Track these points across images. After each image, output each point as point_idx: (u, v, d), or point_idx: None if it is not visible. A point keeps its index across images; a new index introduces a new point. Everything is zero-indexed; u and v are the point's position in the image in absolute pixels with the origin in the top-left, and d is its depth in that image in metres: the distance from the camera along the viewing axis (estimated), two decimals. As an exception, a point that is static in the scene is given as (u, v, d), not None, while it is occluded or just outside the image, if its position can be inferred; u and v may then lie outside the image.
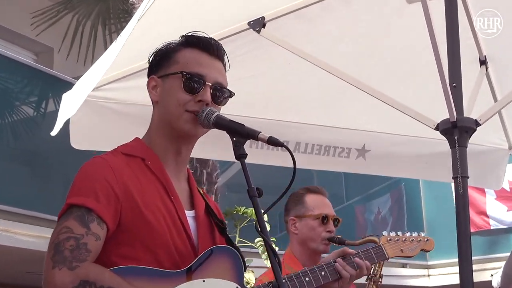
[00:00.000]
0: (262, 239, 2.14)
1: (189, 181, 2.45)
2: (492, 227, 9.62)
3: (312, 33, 3.62)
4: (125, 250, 2.14)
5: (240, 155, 2.18)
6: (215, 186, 6.67)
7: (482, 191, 9.69)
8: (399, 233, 3.12)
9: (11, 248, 6.41)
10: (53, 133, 3.63)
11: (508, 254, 4.76)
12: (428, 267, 10.19)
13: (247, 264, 2.40)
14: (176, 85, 2.31)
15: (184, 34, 2.45)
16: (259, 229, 2.13)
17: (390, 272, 9.73)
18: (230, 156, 3.60)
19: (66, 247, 2.03)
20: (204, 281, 2.20)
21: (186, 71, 2.30)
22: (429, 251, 3.29)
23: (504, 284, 5.04)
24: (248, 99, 3.77)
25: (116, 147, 2.36)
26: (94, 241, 2.07)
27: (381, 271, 3.62)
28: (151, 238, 2.15)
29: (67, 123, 3.65)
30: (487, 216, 9.79)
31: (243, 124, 2.20)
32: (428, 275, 10.13)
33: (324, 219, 3.71)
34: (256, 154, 3.82)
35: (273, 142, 2.17)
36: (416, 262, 10.19)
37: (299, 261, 3.77)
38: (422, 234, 3.27)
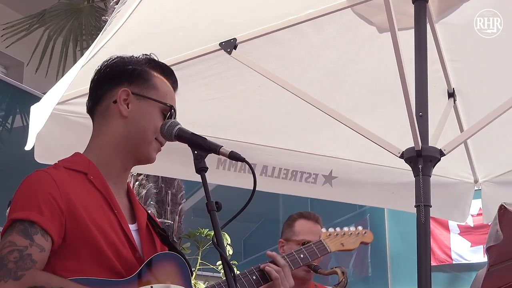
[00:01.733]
0: (218, 252, 2.10)
1: (129, 194, 2.44)
2: (454, 262, 9.67)
3: (284, 57, 3.63)
4: (71, 263, 2.15)
5: (201, 168, 2.17)
6: (180, 207, 6.65)
7: (446, 227, 9.82)
8: (338, 228, 3.17)
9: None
10: (27, 147, 3.63)
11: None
12: (385, 297, 10.20)
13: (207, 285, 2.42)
14: (155, 112, 2.33)
15: (151, 57, 2.48)
16: (216, 242, 2.13)
17: None
18: (193, 174, 3.64)
19: (9, 259, 2.04)
20: (152, 287, 2.21)
21: (169, 104, 2.35)
22: (368, 243, 3.27)
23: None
24: (216, 120, 3.81)
25: (57, 162, 2.35)
26: (38, 252, 2.07)
27: (346, 280, 3.65)
28: (96, 251, 2.15)
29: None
30: (450, 251, 9.84)
31: (205, 138, 2.21)
32: (385, 306, 10.15)
33: (305, 244, 3.67)
34: (221, 175, 3.85)
35: (234, 157, 2.18)
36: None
37: None
38: (360, 228, 3.25)
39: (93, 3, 8.35)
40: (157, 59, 2.49)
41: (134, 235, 2.28)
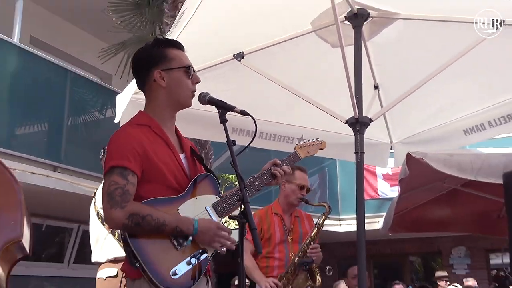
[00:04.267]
0: (234, 169, 2.09)
1: (177, 133, 2.34)
2: (380, 196, 9.81)
3: (274, 62, 3.59)
4: (147, 187, 2.09)
5: (223, 119, 2.16)
6: (209, 162, 6.58)
7: (374, 174, 9.97)
8: (305, 140, 2.94)
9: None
10: (116, 121, 3.63)
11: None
12: (340, 219, 10.25)
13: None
14: (181, 75, 2.23)
15: (157, 40, 2.38)
16: (232, 163, 2.09)
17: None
18: (219, 138, 3.64)
19: (116, 194, 2.01)
20: (196, 198, 2.17)
21: (186, 65, 2.24)
22: (324, 149, 3.04)
23: (384, 227, 5.12)
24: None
25: (131, 119, 2.28)
26: (132, 188, 2.05)
27: (323, 222, 3.66)
28: (162, 176, 2.11)
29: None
30: (377, 190, 9.96)
31: (225, 102, 2.19)
32: (340, 224, 10.19)
33: (302, 187, 3.75)
34: (234, 138, 3.82)
35: (244, 112, 2.18)
36: (333, 216, 10.25)
37: (281, 207, 3.80)
38: (319, 139, 3.18)
39: (155, 36, 8.29)
40: (161, 39, 2.39)
41: (183, 162, 2.24)
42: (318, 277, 3.53)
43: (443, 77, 3.34)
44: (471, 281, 7.90)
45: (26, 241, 1.60)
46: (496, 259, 10.56)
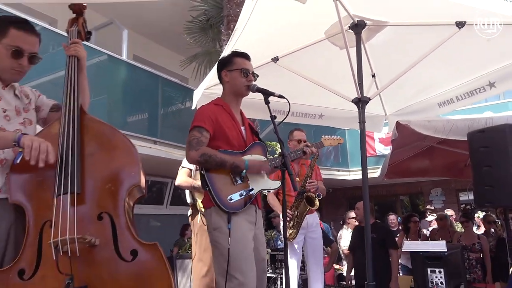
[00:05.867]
0: (276, 135, 2.09)
1: (241, 113, 2.35)
2: (377, 154, 9.56)
3: (300, 61, 3.50)
4: (216, 143, 2.12)
5: (267, 102, 2.15)
6: None
7: (372, 138, 9.69)
8: (328, 136, 2.98)
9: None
10: (193, 108, 3.64)
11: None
12: (349, 171, 10.08)
13: None
14: (238, 73, 2.26)
15: (233, 52, 2.38)
16: (275, 131, 2.10)
17: (330, 173, 9.58)
18: (263, 116, 3.61)
19: (193, 142, 2.06)
20: (251, 156, 2.18)
21: (243, 68, 2.26)
22: (341, 143, 3.05)
23: (380, 175, 5.04)
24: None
25: (211, 101, 2.31)
26: (204, 139, 2.08)
27: (314, 162, 3.53)
28: (227, 138, 2.13)
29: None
30: (375, 149, 9.72)
31: (268, 89, 2.19)
32: (349, 174, 10.06)
33: (299, 141, 3.63)
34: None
35: (281, 96, 2.15)
36: (343, 168, 10.11)
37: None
38: (338, 136, 3.13)
39: (215, 49, 8.31)
40: (236, 50, 2.38)
41: (243, 132, 2.25)
42: (317, 202, 3.42)
43: (422, 65, 3.22)
44: (450, 212, 7.69)
45: (143, 186, 1.69)
46: (464, 197, 10.27)
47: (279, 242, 6.14)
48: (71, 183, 1.54)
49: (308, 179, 3.49)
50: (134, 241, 1.50)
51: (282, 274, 4.74)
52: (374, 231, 4.65)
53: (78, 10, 1.97)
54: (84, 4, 1.93)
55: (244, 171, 2.08)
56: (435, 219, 6.80)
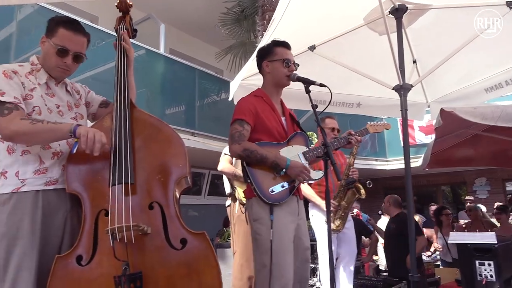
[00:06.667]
0: (317, 124, 2.08)
1: (281, 103, 2.33)
2: (417, 143, 9.26)
3: (337, 49, 3.46)
4: (256, 135, 2.12)
5: (308, 91, 2.13)
6: None
7: (412, 127, 9.35)
8: (375, 121, 2.89)
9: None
10: (229, 99, 3.64)
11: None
12: (387, 160, 9.83)
13: None
14: (279, 64, 2.22)
15: (274, 41, 2.34)
16: (316, 120, 2.07)
17: (367, 163, 9.38)
18: (301, 106, 3.57)
19: (236, 136, 2.07)
20: (292, 146, 2.17)
21: (284, 58, 2.22)
22: (388, 129, 2.96)
23: (423, 164, 4.89)
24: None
25: (251, 92, 2.30)
26: (246, 132, 2.08)
27: (356, 151, 3.42)
28: (267, 129, 2.12)
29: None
30: (415, 138, 9.42)
31: (308, 78, 2.16)
32: (387, 164, 9.82)
33: (332, 129, 3.57)
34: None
35: (322, 85, 2.11)
36: (381, 158, 9.87)
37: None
38: (384, 121, 3.03)
39: (250, 40, 8.30)
40: (276, 40, 2.34)
41: (284, 122, 2.23)
42: (362, 191, 3.40)
43: (466, 50, 3.09)
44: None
45: (189, 177, 1.72)
46: (511, 186, 9.82)
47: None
48: (125, 173, 1.60)
49: (351, 167, 3.42)
50: (183, 230, 1.55)
51: (319, 264, 4.74)
52: (394, 222, 4.66)
53: (124, 8, 2.01)
54: (130, 3, 1.98)
55: (284, 170, 2.06)
56: (465, 211, 6.54)
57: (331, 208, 3.30)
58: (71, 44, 1.71)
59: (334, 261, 3.34)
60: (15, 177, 1.60)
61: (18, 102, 1.57)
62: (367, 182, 3.62)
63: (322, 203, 3.35)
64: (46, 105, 1.69)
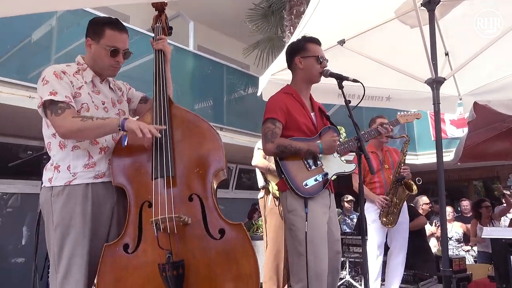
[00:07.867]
0: (350, 118, 2.03)
1: (310, 98, 2.32)
2: (448, 137, 9.02)
3: (365, 44, 3.41)
4: (288, 132, 2.13)
5: (341, 86, 2.11)
6: None
7: (443, 120, 9.10)
8: (405, 112, 2.84)
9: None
10: (258, 94, 3.67)
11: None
12: (417, 155, 9.60)
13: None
14: (312, 61, 2.22)
15: (304, 36, 2.33)
16: (349, 115, 2.06)
17: None
18: (330, 100, 3.56)
19: (269, 134, 2.09)
20: (320, 140, 2.16)
21: (317, 55, 2.22)
22: (420, 118, 2.92)
23: (454, 158, 4.79)
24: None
25: (280, 89, 2.29)
26: (278, 130, 2.10)
27: (406, 149, 3.50)
28: (298, 126, 2.13)
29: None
30: (446, 132, 9.17)
31: (340, 74, 2.14)
32: (417, 158, 9.62)
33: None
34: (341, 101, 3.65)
35: (355, 80, 2.11)
36: (410, 152, 9.68)
37: (374, 146, 3.68)
38: (415, 111, 2.96)
39: (277, 35, 8.28)
40: (307, 36, 2.31)
41: (313, 118, 2.23)
42: (415, 187, 3.46)
43: (502, 40, 3.00)
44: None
45: (226, 170, 1.78)
46: (547, 180, 9.46)
47: (344, 227, 6.12)
48: (166, 167, 1.68)
49: (402, 165, 3.49)
50: (221, 220, 1.62)
51: (349, 258, 4.77)
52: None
53: (160, 7, 2.07)
54: (166, 1, 2.04)
55: (320, 155, 2.09)
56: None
57: (384, 204, 3.40)
58: (120, 43, 1.79)
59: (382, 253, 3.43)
60: (67, 170, 1.69)
61: (69, 101, 1.66)
62: (417, 179, 3.64)
63: (375, 198, 3.47)
64: (93, 102, 1.78)
